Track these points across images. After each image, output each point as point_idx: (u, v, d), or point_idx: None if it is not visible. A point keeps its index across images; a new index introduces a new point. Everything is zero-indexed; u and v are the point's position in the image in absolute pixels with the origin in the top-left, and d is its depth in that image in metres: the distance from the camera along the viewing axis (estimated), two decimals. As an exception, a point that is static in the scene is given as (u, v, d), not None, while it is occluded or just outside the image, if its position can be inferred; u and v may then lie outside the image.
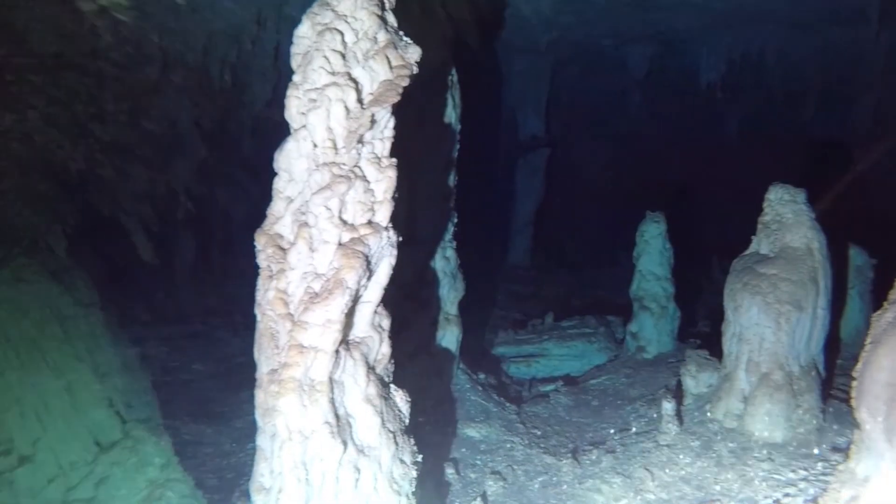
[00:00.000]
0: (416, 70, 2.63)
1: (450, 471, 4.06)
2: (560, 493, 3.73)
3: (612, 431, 4.33)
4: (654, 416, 4.12)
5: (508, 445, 4.36)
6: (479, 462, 4.22)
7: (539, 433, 4.58)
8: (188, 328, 8.10)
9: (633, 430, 4.13)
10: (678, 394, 4.02)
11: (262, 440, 2.62)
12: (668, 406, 3.60)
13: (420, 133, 3.20)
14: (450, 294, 4.73)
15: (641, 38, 10.89)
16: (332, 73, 2.48)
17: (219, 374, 6.54)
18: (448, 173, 4.88)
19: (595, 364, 6.05)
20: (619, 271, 11.59)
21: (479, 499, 3.73)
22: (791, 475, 3.06)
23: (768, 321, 3.34)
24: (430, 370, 4.45)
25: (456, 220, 4.91)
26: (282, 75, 11.63)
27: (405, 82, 2.55)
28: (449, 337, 4.71)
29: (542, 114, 11.99)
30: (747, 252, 3.72)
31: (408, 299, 3.30)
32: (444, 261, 4.68)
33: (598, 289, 10.88)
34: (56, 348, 4.44)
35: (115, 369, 4.80)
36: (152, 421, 4.79)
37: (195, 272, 11.64)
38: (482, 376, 5.28)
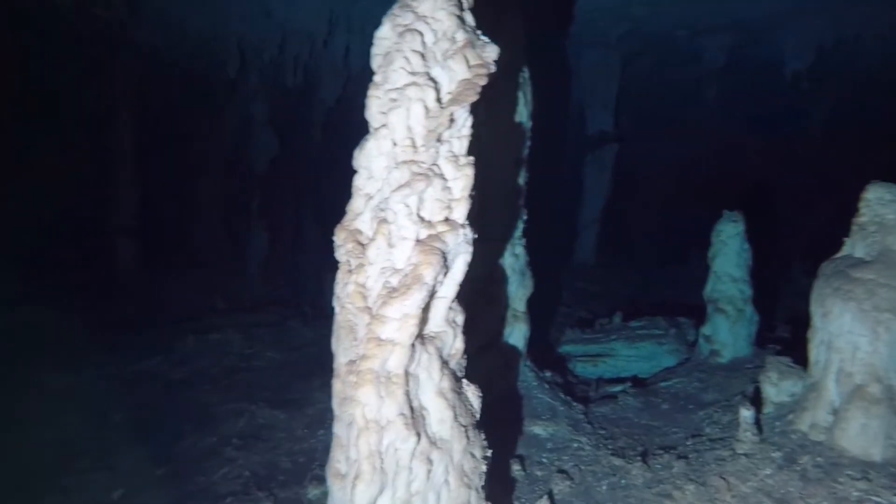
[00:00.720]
0: (493, 69, 2.65)
1: (516, 467, 4.07)
2: (629, 497, 3.66)
3: (683, 436, 4.21)
4: (730, 423, 3.98)
5: (575, 445, 4.32)
6: (545, 460, 4.21)
7: (606, 434, 4.51)
8: (261, 318, 8.46)
9: (707, 436, 4.00)
10: (757, 401, 3.86)
11: (338, 428, 2.71)
12: (746, 413, 3.46)
13: (491, 130, 3.20)
14: (518, 291, 4.73)
15: (718, 28, 10.41)
16: (412, 73, 2.53)
17: (291, 362, 6.81)
18: (518, 171, 4.87)
19: (665, 366, 5.89)
20: (689, 271, 11.21)
21: (545, 497, 3.72)
22: (894, 499, 2.87)
23: (863, 329, 3.14)
24: (498, 367, 4.47)
25: (525, 218, 4.89)
26: (351, 74, 11.95)
27: (483, 81, 2.57)
28: (517, 334, 4.71)
29: (611, 109, 11.72)
30: (839, 255, 3.50)
31: (476, 296, 3.32)
32: (514, 258, 4.68)
33: (666, 289, 10.56)
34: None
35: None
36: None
37: (266, 264, 12.16)
38: (549, 374, 5.25)
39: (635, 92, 12.77)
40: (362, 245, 2.55)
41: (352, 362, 2.51)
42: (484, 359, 4.00)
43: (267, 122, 12.44)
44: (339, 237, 2.63)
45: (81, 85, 12.14)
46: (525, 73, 4.64)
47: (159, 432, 5.61)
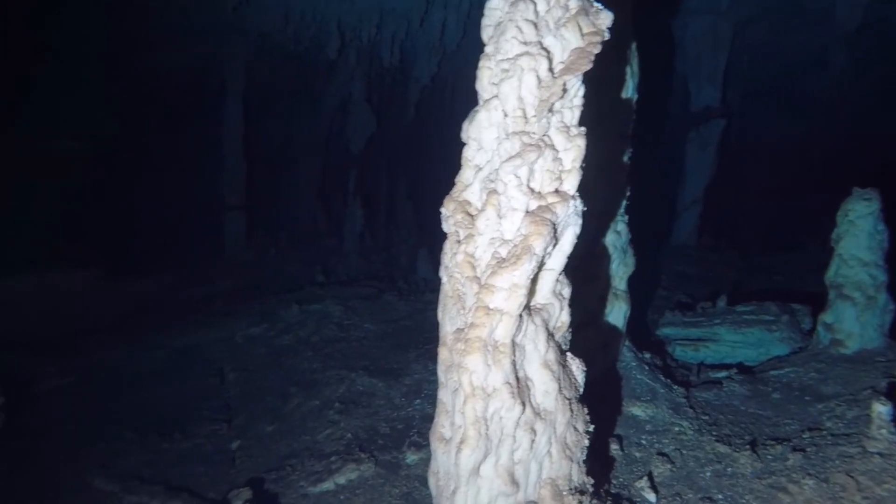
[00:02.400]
0: (607, 36, 2.56)
1: (614, 447, 4.02)
2: (735, 486, 3.51)
3: (798, 428, 3.95)
4: (856, 418, 3.68)
5: (676, 429, 4.18)
6: (644, 442, 4.11)
7: (710, 420, 4.33)
8: (358, 291, 8.80)
9: (828, 430, 3.73)
10: (892, 397, 3.53)
11: (443, 394, 2.79)
12: (882, 409, 3.17)
13: (594, 102, 3.11)
14: (619, 269, 4.60)
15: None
16: (525, 43, 2.50)
17: (387, 334, 7.04)
18: (622, 145, 4.71)
19: (774, 355, 5.53)
20: (801, 257, 10.41)
21: (644, 478, 3.65)
22: None
23: None
24: (597, 345, 4.40)
25: (629, 194, 4.74)
26: (446, 52, 11.99)
27: (597, 49, 2.49)
28: (616, 313, 4.60)
29: (718, 82, 10.98)
30: None
31: (576, 272, 3.27)
32: (616, 235, 4.55)
33: (776, 275, 9.88)
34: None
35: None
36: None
37: (362, 239, 12.61)
38: (648, 356, 5.10)
39: (746, 63, 11.89)
40: (471, 216, 2.58)
41: (459, 331, 2.56)
42: (583, 337, 3.94)
43: (364, 100, 12.80)
44: (448, 208, 2.67)
45: (197, 69, 13.01)
46: (632, 43, 4.45)
47: (268, 393, 6.02)
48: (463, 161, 2.68)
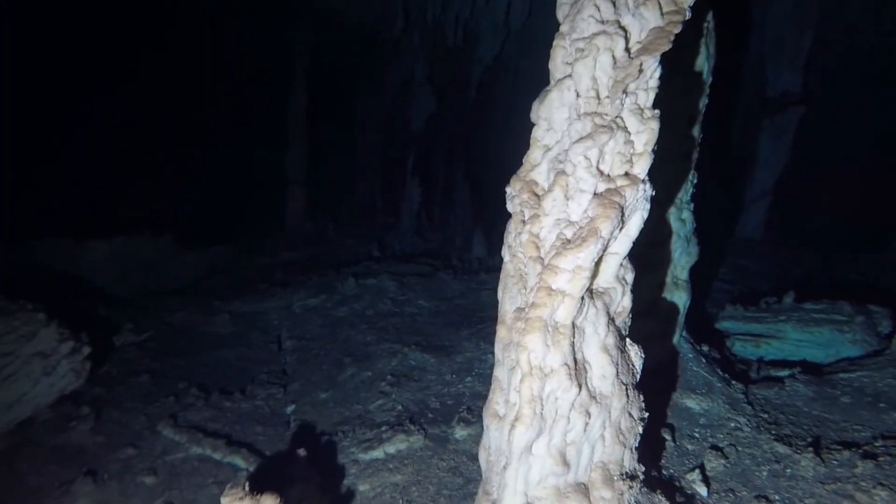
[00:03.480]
0: (689, 15, 2.49)
1: (665, 437, 3.96)
2: (795, 488, 3.40)
3: (869, 435, 3.77)
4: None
5: (733, 424, 4.08)
6: (697, 435, 4.04)
7: (769, 418, 4.19)
8: (413, 268, 8.92)
9: (903, 438, 3.55)
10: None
11: (499, 372, 2.83)
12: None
13: (665, 83, 3.03)
14: (682, 258, 4.49)
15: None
16: (602, 22, 2.45)
17: (441, 311, 7.13)
18: (691, 129, 4.56)
19: (844, 357, 5.27)
20: (883, 256, 9.82)
21: (696, 471, 3.59)
22: None
23: None
24: (654, 333, 4.32)
25: (695, 182, 4.59)
26: (510, 32, 11.83)
27: (677, 29, 2.42)
28: (676, 302, 4.50)
29: (800, 65, 10.32)
30: None
31: (639, 258, 3.22)
32: (680, 222, 4.43)
33: (851, 273, 9.36)
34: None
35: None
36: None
37: (419, 218, 12.74)
38: (706, 348, 4.97)
39: (836, 44, 11.13)
40: (538, 196, 2.58)
41: (519, 310, 2.58)
42: (640, 324, 3.89)
43: (426, 80, 12.81)
44: (515, 187, 2.68)
45: (266, 47, 13.36)
46: (710, 23, 4.27)
47: (323, 362, 6.23)
48: (532, 141, 2.67)
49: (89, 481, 4.00)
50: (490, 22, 11.52)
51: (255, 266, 10.68)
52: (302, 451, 4.05)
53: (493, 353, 5.84)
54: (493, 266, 9.23)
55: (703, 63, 4.32)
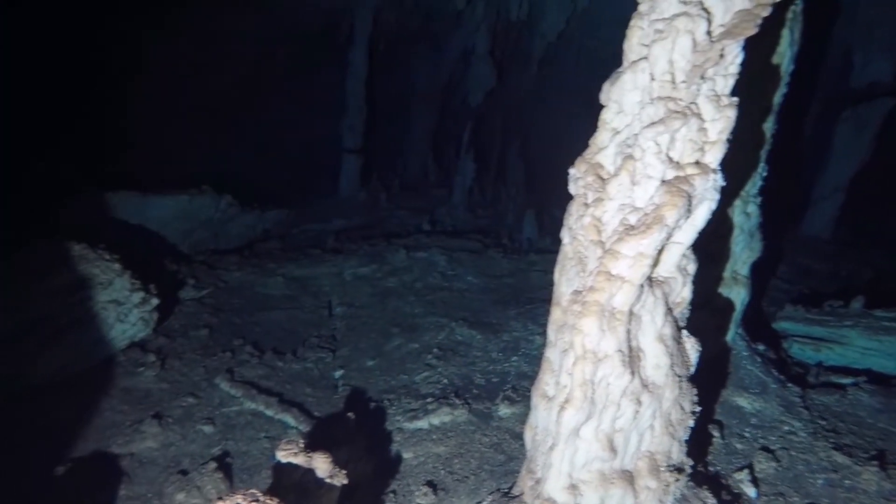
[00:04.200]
0: (779, -3, 2.36)
1: (714, 433, 3.90)
2: (853, 501, 3.28)
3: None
4: None
5: (786, 427, 3.97)
6: (747, 434, 3.95)
7: (827, 426, 4.05)
8: (464, 243, 8.94)
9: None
10: None
11: (551, 353, 2.84)
12: None
13: (745, 69, 2.91)
14: (744, 253, 4.34)
15: None
16: (684, 3, 2.36)
17: (489, 289, 7.15)
18: (766, 120, 4.35)
19: (916, 368, 5.02)
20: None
21: (745, 471, 3.53)
22: None
23: None
24: (709, 327, 4.22)
25: (765, 175, 4.40)
26: (577, 8, 11.49)
27: (766, 12, 2.31)
28: (734, 298, 4.37)
29: (893, 54, 9.60)
30: None
31: (700, 250, 3.15)
32: (744, 216, 4.27)
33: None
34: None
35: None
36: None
37: (471, 193, 12.71)
38: (762, 347, 4.83)
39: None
40: (602, 179, 2.54)
41: (577, 293, 2.57)
42: (696, 317, 3.81)
43: (487, 53, 12.65)
44: (579, 169, 2.64)
45: (329, 13, 13.42)
46: (797, 6, 4.04)
47: (371, 330, 6.38)
48: (600, 123, 2.62)
49: (155, 423, 4.27)
50: (557, -2, 11.22)
51: (308, 231, 10.94)
52: (351, 415, 4.19)
53: (540, 334, 5.85)
54: (543, 248, 9.16)
55: (785, 49, 4.11)
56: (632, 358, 2.48)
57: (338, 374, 5.55)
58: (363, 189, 13.23)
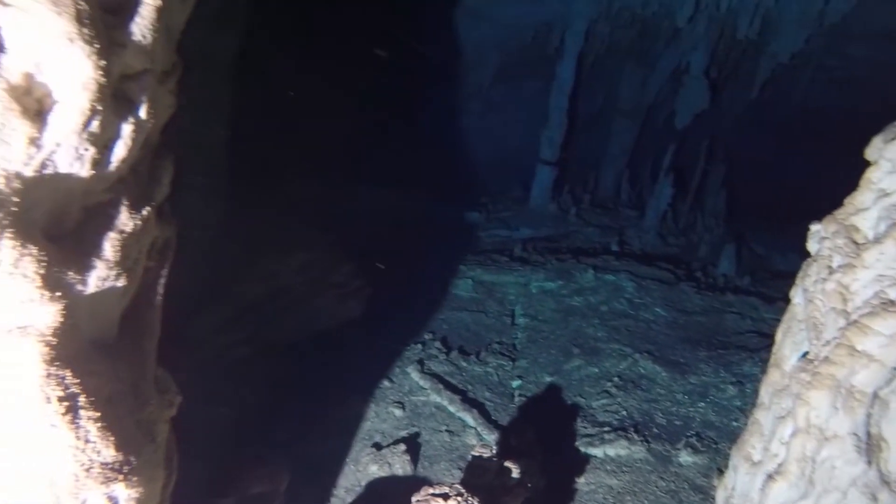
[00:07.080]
0: None
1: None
2: None
3: None
4: None
5: None
6: None
7: None
8: (654, 272, 8.56)
9: None
10: None
11: (762, 415, 2.67)
12: None
13: None
14: None
15: None
16: None
17: (679, 324, 6.79)
18: None
19: None
20: None
21: None
22: None
23: None
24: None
25: None
26: (823, 25, 10.26)
27: None
28: None
29: None
30: None
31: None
32: None
33: None
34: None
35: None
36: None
37: (664, 218, 12.08)
38: None
39: None
40: (856, 244, 2.32)
41: (807, 360, 2.39)
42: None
43: (702, 73, 11.89)
44: (828, 228, 2.44)
45: (542, 24, 13.68)
46: None
47: (552, 346, 6.44)
48: (862, 182, 2.39)
49: (359, 400, 4.83)
50: (798, 12, 10.12)
51: (495, 236, 11.33)
52: (530, 429, 4.32)
53: (734, 384, 5.45)
54: (741, 287, 8.41)
55: None
56: (870, 446, 2.23)
57: (516, 383, 5.72)
58: (553, 201, 13.29)
